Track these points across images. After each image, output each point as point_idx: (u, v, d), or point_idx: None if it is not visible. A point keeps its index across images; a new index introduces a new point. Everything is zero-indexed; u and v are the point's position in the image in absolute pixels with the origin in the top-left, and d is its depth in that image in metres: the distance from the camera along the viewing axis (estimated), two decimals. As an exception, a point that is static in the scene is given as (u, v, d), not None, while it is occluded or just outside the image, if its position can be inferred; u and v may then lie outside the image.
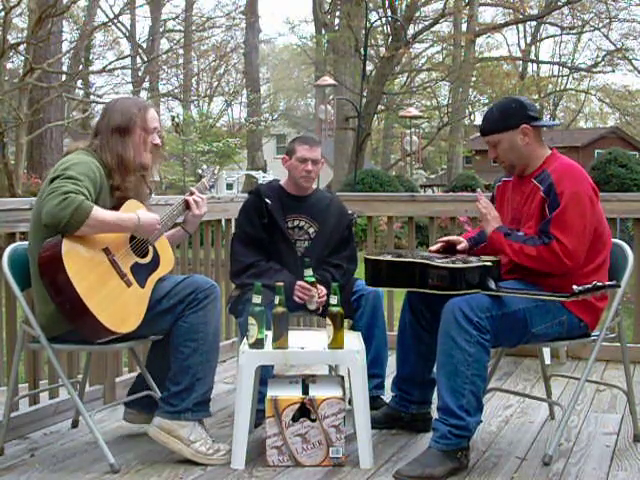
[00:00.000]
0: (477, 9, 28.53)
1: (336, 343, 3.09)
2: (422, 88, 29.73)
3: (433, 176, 36.19)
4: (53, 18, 14.43)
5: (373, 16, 24.01)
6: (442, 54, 30.39)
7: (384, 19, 23.68)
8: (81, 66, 24.12)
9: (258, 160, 28.78)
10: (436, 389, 3.10)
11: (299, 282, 3.63)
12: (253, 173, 25.09)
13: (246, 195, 3.98)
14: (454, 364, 2.95)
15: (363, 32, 18.91)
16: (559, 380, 4.12)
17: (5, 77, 16.35)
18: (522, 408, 3.87)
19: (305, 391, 3.14)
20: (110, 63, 23.22)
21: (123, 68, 25.72)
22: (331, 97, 18.86)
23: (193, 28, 30.01)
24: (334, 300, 3.09)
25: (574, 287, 2.88)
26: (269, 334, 3.15)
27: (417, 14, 25.12)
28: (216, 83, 35.10)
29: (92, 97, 23.69)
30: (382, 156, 36.99)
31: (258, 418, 3.37)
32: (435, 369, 3.12)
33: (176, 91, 30.35)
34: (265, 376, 3.34)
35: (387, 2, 23.32)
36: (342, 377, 3.38)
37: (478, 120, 35.32)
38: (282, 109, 41.96)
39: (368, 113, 22.06)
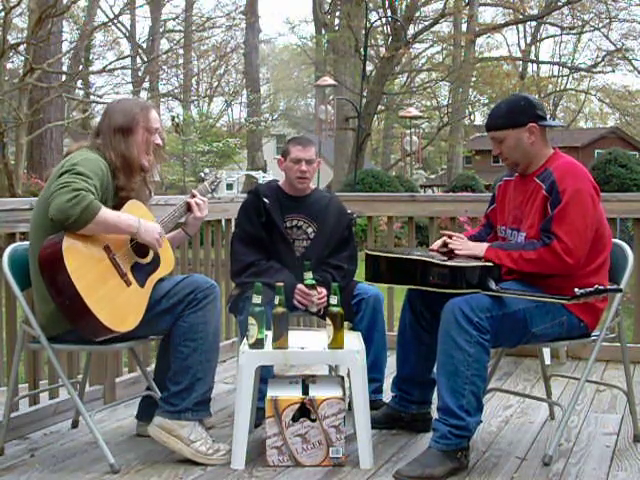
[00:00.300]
0: (477, 9, 28.54)
1: (336, 343, 3.09)
2: (422, 88, 29.77)
3: (433, 176, 36.20)
4: (53, 18, 14.43)
5: (373, 16, 24.05)
6: (442, 54, 30.43)
7: (384, 19, 23.71)
8: (81, 66, 24.07)
9: (258, 160, 28.78)
10: (436, 389, 3.10)
11: (299, 286, 3.62)
12: (253, 173, 25.07)
13: (246, 195, 3.99)
14: (454, 364, 2.95)
15: (363, 32, 18.92)
16: (559, 380, 4.11)
17: (5, 77, 16.32)
18: (522, 408, 3.86)
19: (305, 391, 3.14)
20: (110, 63, 23.29)
21: (123, 68, 25.75)
22: (331, 97, 18.85)
23: (193, 28, 29.98)
24: (334, 300, 3.09)
25: (575, 290, 2.87)
26: (269, 334, 3.15)
27: (417, 14, 25.17)
28: (216, 83, 35.11)
29: (92, 97, 23.72)
30: (382, 156, 36.98)
31: (258, 417, 3.37)
32: (435, 369, 3.12)
33: (176, 91, 30.37)
34: (265, 376, 3.34)
35: (387, 2, 23.35)
36: (342, 377, 3.38)
37: (478, 120, 35.41)
38: (282, 109, 41.94)
39: (368, 113, 22.07)
